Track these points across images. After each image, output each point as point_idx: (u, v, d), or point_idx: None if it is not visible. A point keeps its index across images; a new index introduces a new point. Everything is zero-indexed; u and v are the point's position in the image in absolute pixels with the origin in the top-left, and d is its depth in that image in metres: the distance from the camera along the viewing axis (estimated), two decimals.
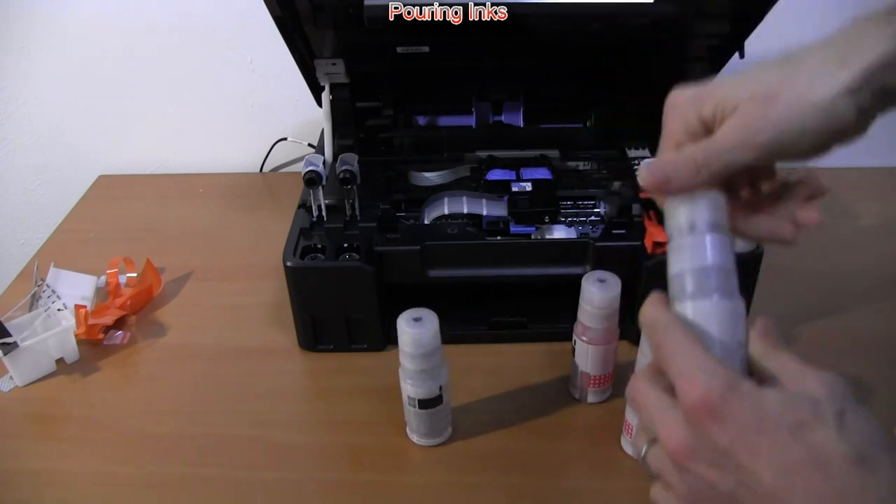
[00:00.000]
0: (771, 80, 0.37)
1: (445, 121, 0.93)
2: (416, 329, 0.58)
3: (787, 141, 0.37)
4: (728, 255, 0.38)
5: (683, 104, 0.40)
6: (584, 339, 0.65)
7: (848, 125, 0.37)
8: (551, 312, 0.76)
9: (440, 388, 0.61)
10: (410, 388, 0.61)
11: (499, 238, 0.73)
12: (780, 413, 0.33)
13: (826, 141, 0.38)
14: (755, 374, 0.37)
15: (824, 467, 0.32)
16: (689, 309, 0.37)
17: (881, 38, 0.36)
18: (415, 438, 0.66)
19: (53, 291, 0.80)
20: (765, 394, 0.33)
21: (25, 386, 0.74)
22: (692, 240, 0.37)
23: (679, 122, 0.40)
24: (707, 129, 0.39)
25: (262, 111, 1.10)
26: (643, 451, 0.38)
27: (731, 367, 0.34)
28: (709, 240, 0.37)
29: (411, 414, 0.64)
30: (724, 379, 0.33)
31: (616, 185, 0.79)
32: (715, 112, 0.38)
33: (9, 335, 0.71)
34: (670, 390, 0.35)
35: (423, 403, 0.62)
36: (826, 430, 0.32)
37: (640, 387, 0.37)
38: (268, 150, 1.11)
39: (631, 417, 0.62)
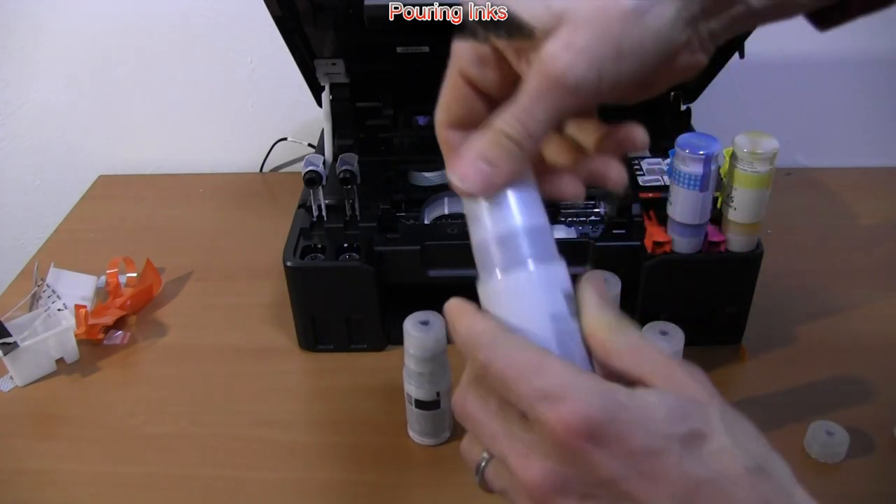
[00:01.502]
0: None
1: None
2: (422, 333, 0.59)
3: (606, 74, 0.29)
4: (538, 210, 0.32)
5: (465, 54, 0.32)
6: None
7: (677, 45, 0.29)
8: None
9: (437, 393, 0.62)
10: (410, 388, 0.62)
11: None
12: (668, 425, 0.27)
13: (650, 70, 0.29)
14: (597, 357, 0.30)
15: (728, 484, 0.27)
16: (500, 285, 0.31)
17: None
18: (415, 437, 0.66)
19: (53, 291, 0.80)
20: (646, 401, 0.27)
21: (25, 386, 0.74)
22: (492, 200, 0.31)
23: (455, 75, 0.32)
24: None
25: (262, 111, 1.10)
26: (481, 464, 0.32)
27: (578, 363, 0.29)
28: (511, 196, 0.31)
29: (411, 412, 0.64)
30: (599, 392, 0.27)
31: None
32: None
33: (9, 335, 0.71)
34: (504, 405, 0.30)
35: (421, 404, 0.62)
36: (720, 439, 0.27)
37: (470, 405, 0.31)
38: (268, 150, 1.11)
39: None
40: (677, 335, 0.60)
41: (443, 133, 0.34)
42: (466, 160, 0.30)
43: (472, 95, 0.33)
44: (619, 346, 0.30)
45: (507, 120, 0.30)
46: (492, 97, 0.33)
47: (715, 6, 0.30)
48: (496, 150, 0.30)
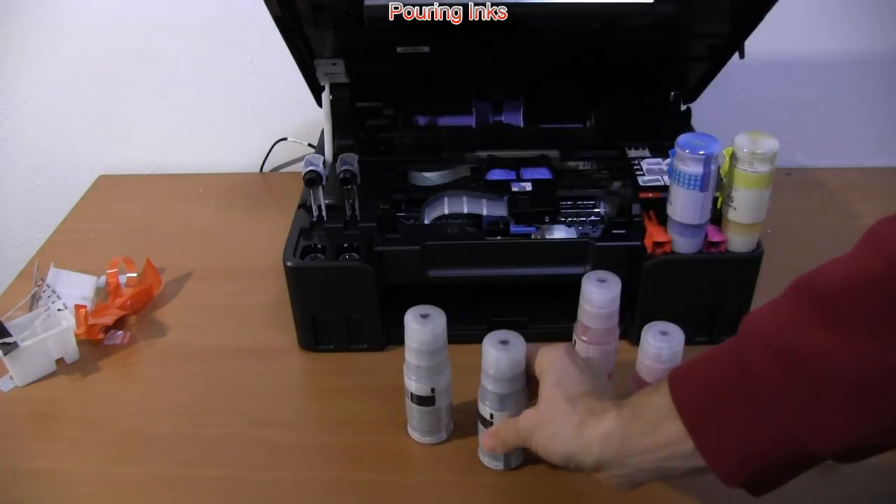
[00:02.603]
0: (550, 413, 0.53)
1: (445, 121, 0.93)
2: (421, 326, 0.59)
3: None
4: None
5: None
6: (584, 339, 0.65)
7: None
8: (551, 312, 0.75)
9: (432, 389, 0.62)
10: (410, 383, 0.62)
11: (499, 238, 0.73)
12: None
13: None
14: None
15: None
16: None
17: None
18: (414, 435, 0.66)
19: (53, 291, 0.80)
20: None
21: (25, 386, 0.74)
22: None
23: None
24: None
25: (262, 111, 1.10)
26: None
27: None
28: None
29: (410, 408, 0.64)
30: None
31: (616, 184, 0.79)
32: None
33: (9, 335, 0.71)
34: None
35: (417, 399, 0.63)
36: None
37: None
38: (268, 150, 1.11)
39: None
40: (677, 335, 0.60)
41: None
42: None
43: None
44: None
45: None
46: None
47: None
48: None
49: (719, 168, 0.68)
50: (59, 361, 0.76)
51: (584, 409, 0.51)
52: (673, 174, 0.66)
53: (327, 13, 0.74)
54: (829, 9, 0.97)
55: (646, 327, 0.61)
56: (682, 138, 0.65)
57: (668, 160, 0.79)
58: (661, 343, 0.58)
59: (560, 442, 0.51)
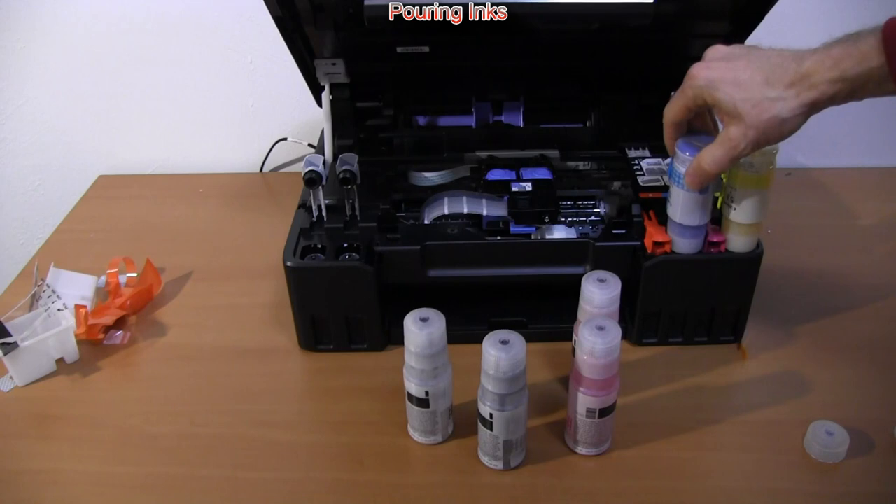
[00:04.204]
0: (753, 103, 0.57)
1: (445, 121, 0.93)
2: (419, 329, 0.59)
3: (755, 149, 0.59)
4: None
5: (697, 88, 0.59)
6: None
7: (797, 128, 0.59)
8: (551, 312, 0.76)
9: (426, 392, 0.62)
10: (408, 384, 0.62)
11: (499, 238, 0.73)
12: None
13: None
14: None
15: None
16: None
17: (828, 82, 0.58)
18: (413, 434, 0.66)
19: (53, 291, 0.80)
20: None
21: (25, 386, 0.74)
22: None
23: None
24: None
25: (262, 111, 1.10)
26: None
27: None
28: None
29: (410, 409, 0.64)
30: None
31: (616, 185, 0.79)
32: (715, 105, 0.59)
33: (9, 335, 0.71)
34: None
35: (413, 400, 0.63)
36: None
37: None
38: (268, 150, 1.11)
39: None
40: (614, 330, 0.58)
41: (668, 126, 0.64)
42: (689, 174, 0.63)
43: (689, 110, 0.62)
44: None
45: (706, 158, 0.60)
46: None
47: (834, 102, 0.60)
48: (699, 173, 0.62)
49: None
50: (59, 361, 0.76)
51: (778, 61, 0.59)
52: (673, 175, 0.66)
53: (327, 13, 0.75)
54: (829, 9, 0.97)
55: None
56: (682, 139, 0.65)
57: (667, 160, 0.79)
58: (597, 338, 0.58)
59: (753, 72, 0.58)
